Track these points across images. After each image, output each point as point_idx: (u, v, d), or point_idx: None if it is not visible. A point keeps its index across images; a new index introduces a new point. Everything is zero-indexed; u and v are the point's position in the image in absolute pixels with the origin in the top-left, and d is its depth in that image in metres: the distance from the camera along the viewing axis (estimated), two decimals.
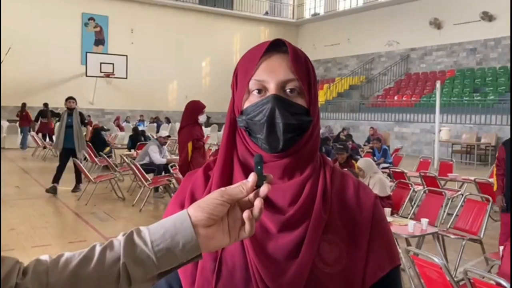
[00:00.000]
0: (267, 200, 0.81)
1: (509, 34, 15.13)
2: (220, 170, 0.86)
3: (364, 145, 12.44)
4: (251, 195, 0.70)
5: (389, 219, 3.89)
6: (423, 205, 4.96)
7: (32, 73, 18.91)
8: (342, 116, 19.65)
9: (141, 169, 7.19)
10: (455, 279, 2.75)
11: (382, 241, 0.86)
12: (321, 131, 1.02)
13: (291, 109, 0.82)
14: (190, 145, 4.66)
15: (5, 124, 15.80)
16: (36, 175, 9.79)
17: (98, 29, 21.25)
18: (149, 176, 7.42)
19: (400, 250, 2.76)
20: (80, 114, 7.94)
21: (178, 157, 5.91)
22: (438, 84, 10.96)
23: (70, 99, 7.89)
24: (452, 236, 4.44)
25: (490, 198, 4.45)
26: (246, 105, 0.85)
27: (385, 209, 3.90)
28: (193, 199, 0.85)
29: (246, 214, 0.68)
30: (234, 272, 0.80)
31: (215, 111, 19.99)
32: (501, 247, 2.60)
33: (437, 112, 11.10)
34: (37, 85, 18.93)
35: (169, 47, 22.19)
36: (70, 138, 7.69)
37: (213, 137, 17.04)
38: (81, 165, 7.56)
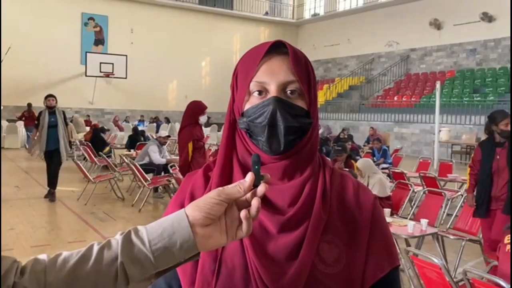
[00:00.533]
0: (266, 201, 0.81)
1: (509, 34, 15.14)
2: (219, 170, 0.86)
3: (364, 145, 12.44)
4: (249, 195, 0.70)
5: (388, 219, 3.89)
6: (422, 205, 4.96)
7: (31, 73, 18.91)
8: (341, 116, 19.65)
9: (141, 169, 7.19)
10: (455, 279, 2.75)
11: (382, 241, 0.86)
12: (320, 131, 1.02)
13: (292, 111, 0.82)
14: (190, 145, 4.66)
15: (4, 123, 15.78)
16: (35, 175, 9.79)
17: (98, 29, 21.25)
18: (149, 176, 7.42)
19: (399, 251, 2.76)
20: (63, 112, 7.34)
21: (177, 157, 5.92)
22: (438, 85, 10.96)
23: (50, 97, 7.21)
24: (452, 237, 4.44)
25: None
26: (246, 106, 0.85)
27: (384, 209, 3.90)
28: (192, 200, 0.84)
29: (243, 213, 0.68)
30: (233, 272, 0.80)
31: (215, 111, 19.97)
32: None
33: (437, 112, 11.09)
34: (36, 85, 18.91)
35: (169, 47, 22.19)
36: (53, 139, 7.05)
37: (212, 137, 17.04)
38: (80, 165, 7.55)
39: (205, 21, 23.33)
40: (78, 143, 11.69)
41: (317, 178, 0.85)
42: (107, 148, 11.21)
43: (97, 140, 11.29)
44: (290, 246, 0.79)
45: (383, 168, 8.73)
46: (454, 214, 5.19)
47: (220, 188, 0.70)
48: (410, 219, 4.50)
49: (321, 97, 21.01)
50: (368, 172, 5.24)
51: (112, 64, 19.74)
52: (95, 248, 0.67)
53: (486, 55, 17.90)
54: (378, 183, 5.07)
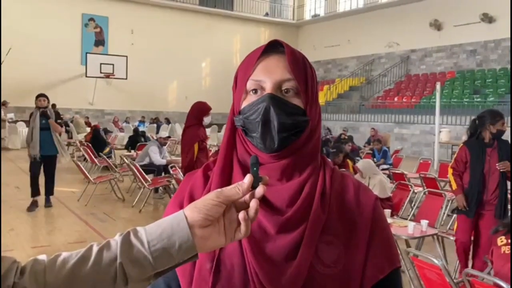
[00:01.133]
0: (265, 201, 0.81)
1: (509, 35, 15.14)
2: (220, 170, 0.86)
3: (364, 146, 12.44)
4: (247, 196, 0.70)
5: (389, 220, 3.88)
6: (423, 206, 4.96)
7: (32, 74, 18.92)
8: (342, 117, 19.65)
9: (141, 170, 7.19)
10: (455, 280, 2.75)
11: (382, 243, 0.85)
12: None
13: (286, 108, 0.82)
14: (196, 146, 4.67)
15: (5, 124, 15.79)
16: None
17: (98, 29, 21.27)
18: (149, 177, 7.42)
19: (399, 252, 2.75)
20: (56, 113, 6.79)
21: (178, 158, 5.92)
22: (438, 86, 10.96)
23: (41, 96, 6.74)
24: (452, 238, 4.43)
25: None
26: (243, 105, 0.86)
27: (385, 210, 3.89)
28: (192, 200, 0.85)
29: (241, 215, 0.69)
30: (232, 273, 0.80)
31: (215, 112, 19.84)
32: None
33: (437, 113, 11.09)
34: (37, 86, 18.87)
35: (169, 48, 22.20)
36: (47, 143, 6.49)
37: (213, 138, 17.04)
38: (81, 165, 7.55)
39: (205, 22, 23.35)
40: (79, 144, 11.70)
41: (317, 179, 0.85)
42: (107, 149, 11.21)
43: (97, 140, 11.29)
44: (288, 246, 0.79)
45: (383, 169, 8.73)
46: (454, 215, 5.18)
47: (219, 190, 0.70)
48: (410, 220, 4.50)
49: (321, 98, 21.00)
50: (368, 173, 5.24)
51: (113, 65, 19.75)
52: (95, 249, 0.67)
53: (486, 56, 17.91)
54: (378, 184, 5.07)
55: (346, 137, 12.63)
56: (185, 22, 22.79)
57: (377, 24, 21.56)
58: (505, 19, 16.08)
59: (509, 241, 2.37)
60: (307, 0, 26.26)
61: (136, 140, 11.17)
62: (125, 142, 12.67)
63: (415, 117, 16.66)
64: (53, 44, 19.44)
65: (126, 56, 19.92)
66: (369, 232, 0.84)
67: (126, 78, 20.08)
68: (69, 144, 14.75)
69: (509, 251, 2.34)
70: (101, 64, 19.60)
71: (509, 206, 4.01)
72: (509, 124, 13.67)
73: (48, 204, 6.83)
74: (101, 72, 19.64)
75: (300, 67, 0.85)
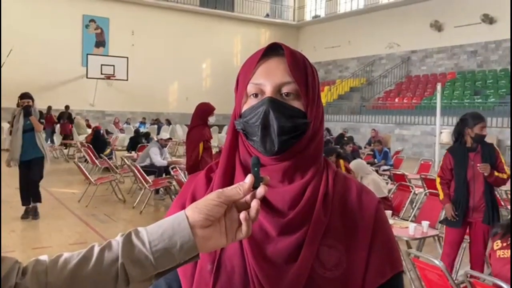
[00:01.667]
0: (267, 203, 0.81)
1: (509, 36, 15.15)
2: (222, 171, 0.86)
3: (365, 147, 12.44)
4: (248, 197, 0.71)
5: (389, 221, 3.87)
6: (424, 207, 4.95)
7: (33, 75, 18.93)
8: (342, 118, 19.65)
9: (142, 171, 7.19)
10: (456, 281, 2.75)
11: (384, 246, 0.84)
12: None
13: (286, 111, 0.82)
14: (201, 145, 4.75)
15: (5, 125, 15.80)
16: None
17: (99, 31, 21.30)
18: (150, 178, 7.42)
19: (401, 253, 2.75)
20: (40, 113, 6.25)
21: (179, 159, 5.94)
22: (438, 87, 10.95)
23: (25, 97, 6.10)
24: None
25: None
26: (244, 108, 0.86)
27: (385, 211, 3.89)
28: (193, 201, 0.84)
29: (243, 215, 0.69)
30: (232, 275, 0.80)
31: (216, 113, 19.92)
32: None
33: (438, 114, 11.08)
34: (38, 87, 18.87)
35: (169, 49, 22.22)
36: (31, 146, 5.99)
37: (213, 139, 17.01)
38: (81, 166, 7.56)
39: (205, 23, 23.37)
40: (79, 145, 11.70)
41: (319, 181, 0.84)
42: (108, 150, 11.22)
43: (98, 142, 11.30)
44: (289, 249, 0.79)
45: (384, 170, 8.74)
46: None
47: (220, 190, 0.70)
48: (411, 221, 4.50)
49: (322, 99, 20.80)
50: (360, 173, 5.22)
51: (113, 66, 19.77)
52: (96, 249, 0.67)
53: (487, 57, 17.91)
54: (372, 183, 5.05)
55: (346, 138, 12.63)
56: (186, 23, 22.81)
57: (377, 25, 21.57)
58: (506, 20, 16.08)
59: (504, 244, 2.36)
60: (307, 1, 26.29)
61: (137, 141, 11.17)
62: (126, 143, 12.68)
63: (415, 118, 16.67)
64: (54, 45, 19.47)
65: (127, 57, 19.94)
66: (371, 235, 0.83)
67: (126, 79, 20.10)
68: (70, 145, 14.78)
69: (504, 255, 2.33)
70: (101, 65, 19.62)
71: (501, 211, 3.90)
72: (509, 124, 13.72)
73: (35, 216, 6.16)
74: (101, 73, 19.66)
75: (301, 69, 0.85)
